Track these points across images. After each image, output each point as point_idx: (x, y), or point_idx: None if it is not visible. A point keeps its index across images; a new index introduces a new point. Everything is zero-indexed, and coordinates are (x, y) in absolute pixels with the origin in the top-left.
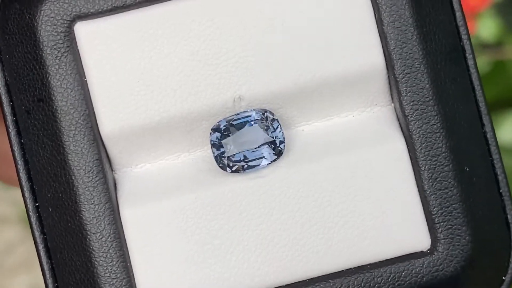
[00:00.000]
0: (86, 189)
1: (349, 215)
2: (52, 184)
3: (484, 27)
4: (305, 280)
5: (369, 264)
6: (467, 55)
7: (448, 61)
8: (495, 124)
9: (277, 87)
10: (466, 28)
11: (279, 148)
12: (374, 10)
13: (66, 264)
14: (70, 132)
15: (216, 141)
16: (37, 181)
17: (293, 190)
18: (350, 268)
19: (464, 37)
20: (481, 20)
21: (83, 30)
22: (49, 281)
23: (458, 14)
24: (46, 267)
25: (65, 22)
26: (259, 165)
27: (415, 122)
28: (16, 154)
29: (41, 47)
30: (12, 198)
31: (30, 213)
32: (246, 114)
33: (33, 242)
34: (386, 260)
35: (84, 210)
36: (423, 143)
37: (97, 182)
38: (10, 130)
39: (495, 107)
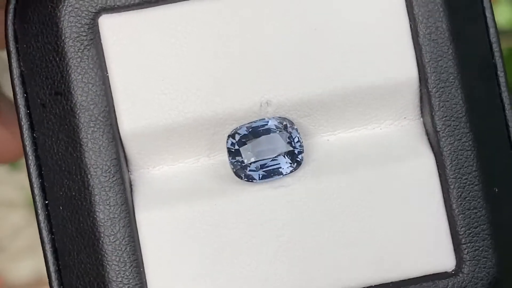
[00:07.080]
0: (102, 189)
1: (373, 231)
2: (65, 182)
3: (500, 13)
4: None
5: (392, 282)
6: (498, 72)
7: (481, 77)
8: None
9: (306, 94)
10: (499, 45)
11: (297, 158)
12: (410, 21)
13: (74, 267)
14: (88, 129)
15: (232, 148)
16: (48, 178)
17: (317, 202)
18: (372, 286)
19: (496, 54)
20: (497, 6)
21: (108, 23)
22: (55, 283)
23: (492, 30)
24: (52, 268)
25: (90, 14)
26: (277, 175)
27: (447, 139)
28: (27, 149)
29: (63, 38)
30: (19, 182)
31: (39, 211)
32: (265, 122)
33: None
34: (409, 279)
35: (99, 211)
36: (454, 161)
37: (114, 182)
38: (22, 123)
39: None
